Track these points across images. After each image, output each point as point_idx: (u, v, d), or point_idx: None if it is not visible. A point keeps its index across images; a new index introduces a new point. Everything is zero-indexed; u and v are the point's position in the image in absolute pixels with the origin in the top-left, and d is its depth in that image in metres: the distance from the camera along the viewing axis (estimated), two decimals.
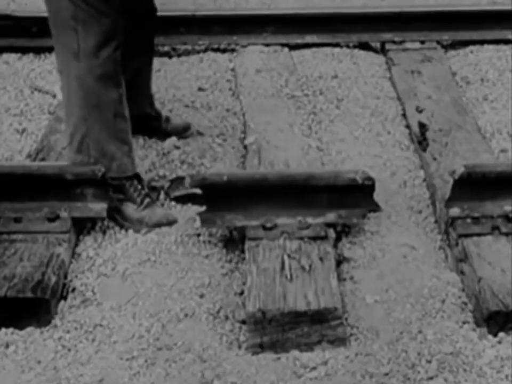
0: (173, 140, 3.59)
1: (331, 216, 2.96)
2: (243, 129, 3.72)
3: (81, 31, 2.89)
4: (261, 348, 2.56)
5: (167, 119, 3.65)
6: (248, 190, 2.97)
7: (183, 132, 3.63)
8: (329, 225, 2.96)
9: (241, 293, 2.82)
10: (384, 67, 4.26)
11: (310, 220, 2.94)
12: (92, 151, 3.05)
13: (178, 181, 3.31)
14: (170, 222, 3.12)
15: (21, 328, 2.68)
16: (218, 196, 2.97)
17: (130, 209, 3.11)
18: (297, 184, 2.98)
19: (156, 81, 4.16)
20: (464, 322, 2.67)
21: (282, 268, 2.74)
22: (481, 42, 4.39)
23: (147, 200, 3.13)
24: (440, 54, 4.28)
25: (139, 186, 3.14)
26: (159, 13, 3.70)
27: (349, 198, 2.97)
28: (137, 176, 3.16)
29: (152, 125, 3.60)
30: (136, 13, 3.20)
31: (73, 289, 2.86)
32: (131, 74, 3.24)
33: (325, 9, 4.51)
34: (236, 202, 2.97)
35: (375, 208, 3.02)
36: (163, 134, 3.59)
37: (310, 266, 2.74)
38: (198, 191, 2.99)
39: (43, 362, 2.57)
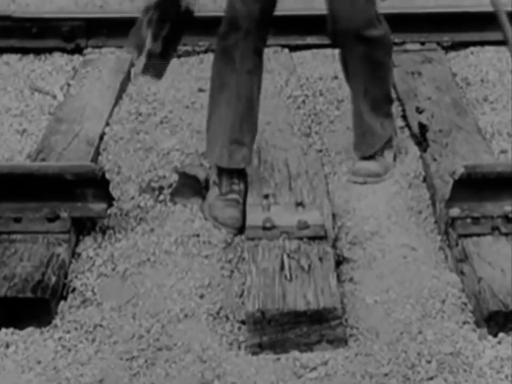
0: (172, 140, 3.59)
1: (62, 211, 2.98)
2: None
3: None
4: (260, 348, 2.56)
5: None
6: None
7: None
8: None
9: (241, 294, 2.82)
10: None
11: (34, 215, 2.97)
12: None
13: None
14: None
15: (21, 328, 2.68)
16: None
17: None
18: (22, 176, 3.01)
19: (156, 82, 4.16)
20: (464, 323, 2.67)
21: (282, 268, 2.74)
22: (482, 43, 4.38)
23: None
24: (441, 55, 4.28)
25: None
26: None
27: (81, 191, 3.00)
28: None
29: None
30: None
31: (73, 290, 2.86)
32: None
33: (326, 11, 4.49)
34: None
35: (110, 201, 3.03)
36: None
37: (309, 266, 2.74)
38: None
39: (43, 362, 2.56)
